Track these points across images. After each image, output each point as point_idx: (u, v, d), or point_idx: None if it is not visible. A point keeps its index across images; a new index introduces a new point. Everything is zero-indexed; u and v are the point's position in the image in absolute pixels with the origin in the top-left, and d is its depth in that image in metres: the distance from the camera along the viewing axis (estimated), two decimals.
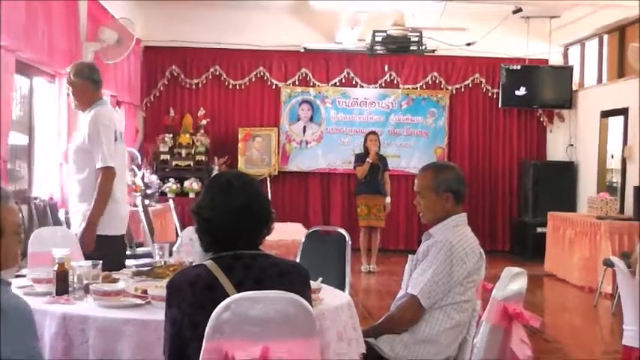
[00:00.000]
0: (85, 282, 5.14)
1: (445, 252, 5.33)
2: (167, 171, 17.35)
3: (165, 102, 18.42)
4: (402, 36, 14.63)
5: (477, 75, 18.84)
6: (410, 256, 5.66)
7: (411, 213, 17.56)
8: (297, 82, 18.70)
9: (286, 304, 3.73)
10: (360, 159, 15.70)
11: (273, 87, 18.69)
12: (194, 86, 18.52)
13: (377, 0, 13.28)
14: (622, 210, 15.29)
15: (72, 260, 5.32)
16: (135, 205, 13.15)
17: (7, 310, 3.82)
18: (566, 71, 18.39)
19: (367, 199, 15.52)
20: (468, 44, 17.69)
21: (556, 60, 18.73)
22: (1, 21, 8.87)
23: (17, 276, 4.99)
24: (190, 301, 3.85)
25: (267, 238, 4.15)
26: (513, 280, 4.78)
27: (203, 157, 17.63)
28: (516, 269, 4.84)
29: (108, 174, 7.71)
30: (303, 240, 8.01)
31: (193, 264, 4.66)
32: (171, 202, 14.52)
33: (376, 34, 15.14)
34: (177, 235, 10.38)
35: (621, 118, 16.14)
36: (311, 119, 18.75)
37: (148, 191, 14.84)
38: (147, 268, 5.92)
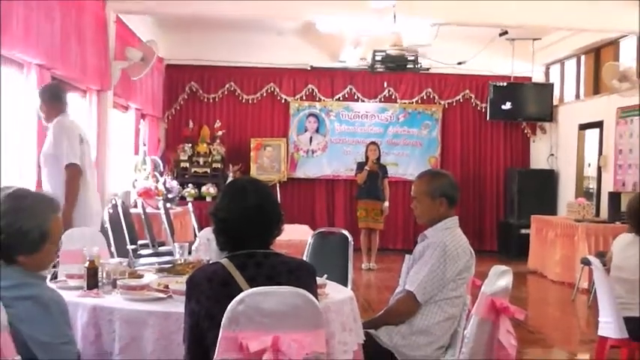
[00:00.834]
0: (113, 277, 5.15)
1: (439, 252, 5.33)
2: (186, 177, 17.35)
3: (185, 115, 18.42)
4: (399, 55, 14.64)
5: (467, 91, 18.84)
6: (407, 256, 5.66)
7: (407, 215, 17.54)
8: (304, 97, 18.70)
9: (295, 298, 3.73)
10: (360, 167, 15.71)
11: (283, 101, 18.69)
12: (211, 100, 18.51)
13: (377, 23, 13.24)
14: (598, 214, 15.30)
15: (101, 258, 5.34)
16: (157, 208, 13.18)
17: (47, 301, 3.93)
18: (547, 88, 18.40)
19: (366, 203, 15.53)
20: (459, 63, 17.70)
21: (538, 78, 18.73)
22: (34, 39, 8.91)
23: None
24: (208, 295, 3.85)
25: (277, 238, 4.15)
26: (500, 277, 4.77)
27: (219, 165, 17.65)
28: (503, 267, 4.83)
29: (73, 171, 7.85)
30: (309, 240, 8.00)
31: (210, 262, 4.65)
32: (190, 205, 14.49)
33: (376, 53, 15.15)
34: (195, 236, 10.37)
35: (597, 130, 16.20)
36: (317, 130, 18.74)
37: (169, 195, 14.83)
38: (168, 266, 5.90)
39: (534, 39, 17.54)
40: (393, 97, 18.78)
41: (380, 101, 18.80)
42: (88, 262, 4.95)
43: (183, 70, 18.32)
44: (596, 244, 13.08)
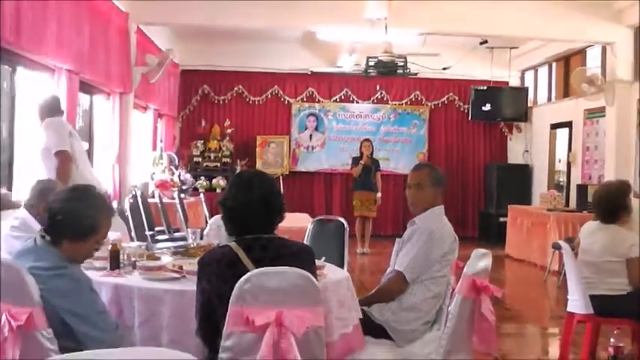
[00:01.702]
0: (133, 259, 5.16)
1: (426, 236, 5.33)
2: (199, 171, 17.34)
3: (198, 115, 18.41)
4: (390, 61, 14.58)
5: (451, 94, 18.83)
6: (397, 240, 5.65)
7: (398, 205, 17.58)
8: (305, 99, 18.69)
9: (296, 278, 3.75)
10: (356, 161, 15.69)
11: (286, 103, 18.68)
12: (221, 102, 18.50)
13: (370, 33, 13.23)
14: (567, 204, 15.32)
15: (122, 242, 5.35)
16: (172, 198, 13.19)
17: (77, 278, 4.00)
18: (522, 91, 18.37)
19: (361, 194, 15.55)
20: (444, 69, 17.68)
21: (514, 82, 18.72)
22: (65, 47, 8.91)
23: None
24: (217, 274, 3.87)
25: (280, 224, 4.15)
26: (481, 259, 4.76)
27: (228, 160, 17.65)
28: (483, 250, 4.83)
29: (62, 156, 7.86)
30: (309, 227, 8.00)
31: (220, 245, 4.65)
32: (202, 195, 14.46)
33: (369, 59, 15.09)
34: (206, 223, 10.34)
35: (567, 129, 16.22)
36: (316, 129, 18.72)
37: (183, 187, 14.82)
38: (182, 249, 5.90)
39: (511, 47, 17.58)
40: (385, 98, 18.79)
41: (373, 102, 18.79)
42: (110, 246, 4.96)
43: (196, 74, 18.30)
44: (565, 230, 13.07)
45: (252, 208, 4.00)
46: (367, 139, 16.01)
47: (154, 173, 14.48)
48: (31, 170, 8.46)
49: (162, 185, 14.03)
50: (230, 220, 4.09)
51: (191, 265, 4.77)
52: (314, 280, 3.82)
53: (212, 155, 17.70)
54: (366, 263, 14.42)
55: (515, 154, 18.88)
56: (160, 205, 12.24)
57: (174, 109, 17.51)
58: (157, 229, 11.53)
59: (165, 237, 11.11)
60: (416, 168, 5.83)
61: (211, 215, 10.50)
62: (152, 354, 2.55)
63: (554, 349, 8.27)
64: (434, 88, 18.85)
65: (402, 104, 18.82)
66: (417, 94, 18.76)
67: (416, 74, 17.31)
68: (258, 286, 3.67)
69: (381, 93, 18.74)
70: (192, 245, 5.99)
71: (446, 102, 18.91)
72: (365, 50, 15.65)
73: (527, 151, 18.45)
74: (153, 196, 13.36)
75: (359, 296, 5.14)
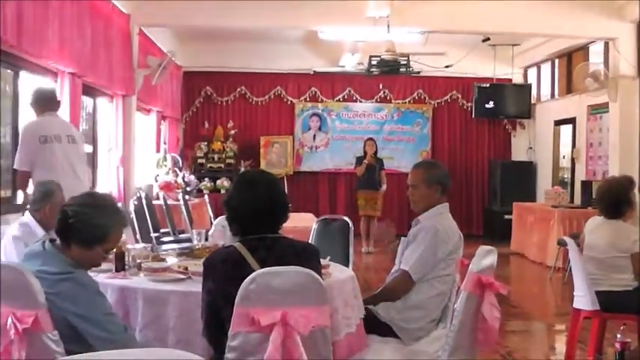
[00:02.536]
0: (138, 261, 5.17)
1: (431, 235, 5.32)
2: (203, 172, 17.37)
3: (201, 116, 18.45)
4: (393, 60, 14.59)
5: (454, 92, 18.85)
6: (402, 239, 5.65)
7: (402, 204, 17.54)
8: (308, 99, 18.71)
9: (301, 277, 3.75)
10: (359, 161, 15.73)
11: (289, 103, 18.70)
12: (224, 103, 18.54)
13: (373, 32, 13.24)
14: (572, 200, 15.31)
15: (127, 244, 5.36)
16: (177, 200, 13.21)
17: (84, 282, 3.99)
18: (525, 88, 18.39)
19: (365, 193, 15.57)
20: (447, 67, 17.66)
21: (517, 79, 18.72)
22: (67, 50, 8.92)
23: None
24: (222, 275, 3.87)
25: (284, 224, 4.14)
26: (486, 256, 4.75)
27: (232, 161, 17.67)
28: (488, 247, 4.82)
29: (19, 175, 7.76)
30: (314, 226, 8.01)
31: (225, 246, 4.65)
32: (206, 197, 14.50)
33: (372, 58, 15.11)
34: (211, 224, 10.35)
35: (570, 126, 16.22)
36: (319, 128, 18.74)
37: (188, 188, 14.87)
38: (187, 250, 5.90)
39: (514, 45, 17.59)
40: (388, 97, 18.81)
41: (376, 101, 18.82)
42: (115, 248, 4.96)
43: (199, 76, 18.34)
44: (570, 227, 13.06)
45: (256, 207, 4.00)
46: (371, 139, 16.04)
47: (158, 175, 14.49)
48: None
49: (167, 187, 14.04)
50: (234, 220, 4.09)
51: (196, 266, 4.77)
52: (319, 278, 3.82)
53: (216, 156, 17.72)
54: (370, 262, 14.41)
55: (519, 151, 18.88)
56: (164, 206, 12.27)
57: (178, 111, 17.53)
58: (161, 230, 11.56)
59: (171, 238, 11.13)
60: (413, 168, 5.82)
61: (216, 216, 10.50)
62: (160, 354, 2.55)
63: (561, 346, 8.26)
64: (437, 86, 18.86)
65: (405, 103, 18.84)
66: (420, 92, 18.78)
67: (419, 72, 17.31)
68: (264, 286, 3.66)
69: (384, 92, 18.76)
70: (197, 246, 5.99)
71: (449, 100, 18.93)
72: (367, 49, 15.68)
73: (531, 147, 18.46)
74: (157, 198, 13.38)
75: (364, 295, 5.15)
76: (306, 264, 3.85)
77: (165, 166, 14.80)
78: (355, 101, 18.80)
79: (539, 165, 18.05)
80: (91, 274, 4.20)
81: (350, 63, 17.76)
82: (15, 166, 7.70)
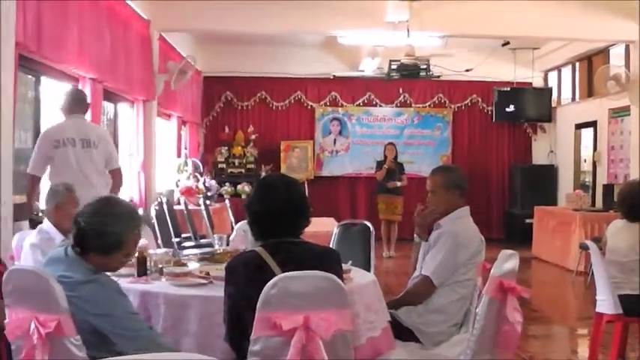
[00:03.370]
0: (160, 266, 5.17)
1: (452, 240, 5.33)
2: (223, 177, 17.36)
3: (222, 121, 18.46)
4: (413, 64, 14.56)
5: (474, 96, 18.83)
6: (423, 243, 5.66)
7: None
8: (328, 103, 18.72)
9: (322, 281, 3.74)
10: (380, 165, 15.75)
11: (309, 107, 18.72)
12: (244, 108, 18.57)
13: (392, 36, 13.24)
14: (593, 204, 15.26)
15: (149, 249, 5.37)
16: (198, 205, 13.23)
17: (106, 283, 4.00)
18: (546, 92, 18.35)
19: (385, 198, 15.59)
20: (467, 71, 17.64)
21: (538, 83, 18.68)
22: (88, 56, 8.96)
23: None
24: (244, 279, 3.87)
25: (305, 229, 4.14)
26: (507, 260, 4.74)
27: (252, 165, 17.68)
28: (510, 251, 4.80)
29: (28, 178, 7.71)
30: (335, 230, 8.01)
31: (246, 250, 4.65)
32: (227, 202, 14.52)
33: (392, 62, 15.09)
34: (232, 229, 10.37)
35: (591, 129, 16.19)
36: (340, 133, 18.76)
37: (209, 193, 14.87)
38: (209, 255, 5.91)
39: (534, 48, 17.58)
40: (408, 102, 18.81)
41: (396, 106, 18.82)
42: (137, 253, 4.97)
43: (218, 81, 18.38)
44: (592, 230, 13.01)
45: (277, 211, 4.00)
46: (391, 143, 16.03)
47: (179, 180, 14.53)
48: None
49: (188, 192, 14.07)
50: (255, 224, 4.09)
51: (218, 270, 4.78)
52: (340, 282, 3.80)
53: (236, 161, 17.74)
54: (391, 267, 14.39)
55: (539, 155, 18.84)
56: (185, 211, 12.29)
57: (198, 116, 17.58)
58: (183, 235, 11.59)
59: (192, 243, 11.15)
60: (430, 174, 5.82)
61: (237, 221, 10.53)
62: (182, 358, 2.55)
63: (583, 350, 8.23)
64: (457, 90, 18.83)
65: (425, 107, 18.83)
66: (440, 96, 18.77)
67: (439, 77, 17.28)
68: (285, 291, 3.66)
69: (404, 96, 18.76)
70: (218, 251, 6.00)
71: (469, 104, 18.90)
72: (387, 53, 15.66)
73: (552, 151, 18.42)
74: (178, 203, 13.42)
75: (386, 299, 5.14)
76: (327, 268, 3.84)
77: (186, 171, 14.83)
78: (375, 106, 18.80)
79: (561, 168, 18.00)
80: (114, 278, 4.20)
81: (370, 67, 17.74)
82: (27, 170, 7.70)
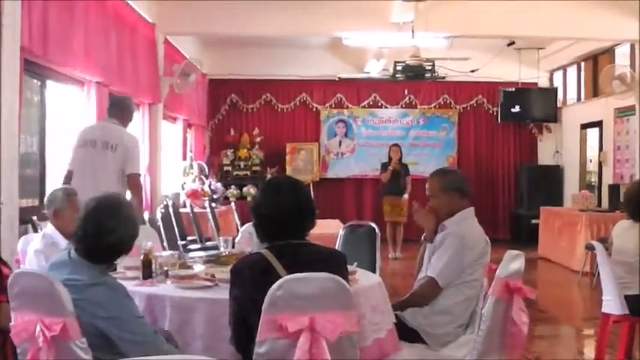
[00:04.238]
0: (165, 268, 5.18)
1: (457, 241, 5.33)
2: (229, 179, 17.36)
3: (227, 123, 18.49)
4: (418, 65, 14.54)
5: (479, 96, 18.81)
6: (428, 245, 5.67)
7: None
8: (333, 105, 18.73)
9: (328, 283, 3.74)
10: (385, 167, 15.76)
11: (314, 109, 18.73)
12: (250, 110, 18.58)
13: (397, 38, 13.25)
14: (599, 204, 15.21)
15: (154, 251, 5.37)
16: (204, 208, 13.26)
17: (114, 286, 3.99)
18: (551, 92, 18.35)
19: (391, 199, 15.58)
20: (472, 71, 17.66)
21: (543, 83, 18.68)
22: (93, 59, 8.97)
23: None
24: (250, 281, 3.87)
25: (311, 231, 4.14)
26: (513, 261, 4.74)
27: (258, 168, 17.70)
28: (516, 252, 4.80)
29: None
30: (341, 232, 8.01)
31: (252, 252, 4.65)
32: (232, 204, 14.50)
33: (397, 64, 15.07)
34: (238, 231, 10.36)
35: (597, 129, 16.18)
36: (345, 135, 18.76)
37: (214, 196, 14.88)
38: (214, 257, 5.91)
39: (539, 48, 17.60)
40: (413, 103, 18.80)
41: (401, 107, 18.81)
42: (143, 255, 4.98)
43: (224, 83, 18.40)
44: (598, 231, 12.98)
45: (283, 213, 4.00)
46: (396, 144, 16.03)
47: (184, 183, 14.55)
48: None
49: (193, 195, 14.09)
50: (261, 226, 4.09)
51: (223, 273, 4.78)
52: (346, 284, 3.80)
53: (242, 164, 17.75)
54: (397, 268, 14.38)
55: (545, 155, 18.82)
56: (191, 214, 12.31)
57: (204, 119, 17.59)
58: (188, 238, 11.61)
59: (197, 246, 11.17)
60: (428, 178, 5.83)
61: (242, 223, 10.53)
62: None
63: (590, 351, 8.23)
64: (462, 91, 18.82)
65: (431, 108, 18.84)
66: (445, 97, 18.76)
67: (444, 77, 17.27)
68: (291, 293, 3.66)
69: (410, 97, 18.75)
70: (224, 253, 6.00)
71: (475, 104, 18.89)
72: (392, 55, 15.65)
73: (557, 151, 18.41)
74: (184, 206, 13.43)
75: (391, 301, 5.14)
76: (332, 270, 3.84)
77: (192, 173, 14.85)
78: (381, 107, 18.80)
79: (566, 169, 17.99)
80: (119, 281, 4.21)
81: (375, 69, 17.76)
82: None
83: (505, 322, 4.69)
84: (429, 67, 14.76)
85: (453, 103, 18.84)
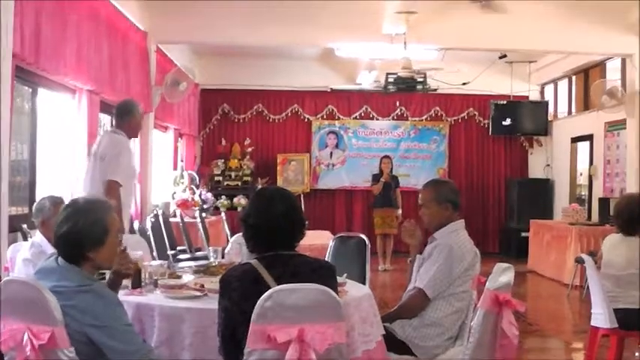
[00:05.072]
0: (155, 278, 5.17)
1: (446, 253, 5.34)
2: (220, 189, 17.32)
3: (218, 133, 18.46)
4: (409, 77, 14.55)
5: (471, 109, 18.82)
6: (417, 256, 5.67)
7: (418, 221, 17.47)
8: (324, 116, 18.71)
9: (317, 294, 3.74)
10: (375, 178, 15.78)
11: (306, 120, 18.71)
12: (241, 120, 18.56)
13: (389, 49, 13.26)
14: (589, 217, 15.24)
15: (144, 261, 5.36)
16: (194, 217, 13.24)
17: (104, 293, 3.97)
18: (542, 105, 18.37)
19: (381, 211, 15.58)
20: (463, 84, 17.68)
21: (534, 96, 18.70)
22: (85, 67, 8.96)
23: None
24: (239, 292, 3.86)
25: (301, 242, 4.14)
26: (503, 274, 4.75)
27: (249, 178, 17.63)
28: (505, 265, 4.81)
29: None
30: (331, 244, 8.01)
31: (241, 263, 4.64)
32: (223, 214, 14.52)
33: (389, 76, 15.09)
34: (228, 241, 10.36)
35: (587, 143, 16.19)
36: (336, 146, 18.74)
37: (205, 206, 14.86)
38: (204, 267, 5.90)
39: (530, 61, 17.66)
40: (405, 115, 18.80)
41: (393, 119, 18.81)
42: (132, 265, 4.96)
43: (216, 93, 18.38)
44: (588, 244, 13.04)
45: (273, 224, 4.00)
46: (387, 156, 16.05)
47: (175, 193, 14.52)
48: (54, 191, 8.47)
49: (184, 204, 14.07)
50: (251, 236, 4.09)
51: (213, 283, 4.77)
52: (335, 295, 3.80)
53: (233, 174, 17.71)
54: (387, 280, 14.40)
55: (536, 169, 18.84)
56: (181, 224, 12.30)
57: (195, 129, 17.55)
58: (178, 248, 11.59)
59: (187, 256, 11.16)
60: (422, 187, 5.84)
61: (232, 234, 10.52)
62: None
63: None
64: (453, 104, 18.83)
65: (422, 120, 18.82)
66: (436, 109, 18.76)
67: (435, 90, 17.28)
68: (280, 303, 3.66)
69: (401, 109, 18.75)
70: (213, 263, 5.99)
71: (466, 117, 18.89)
72: (384, 67, 15.68)
73: (548, 165, 18.43)
74: (174, 216, 13.43)
75: (380, 313, 5.13)
76: (322, 281, 3.84)
77: (182, 183, 14.83)
78: (372, 119, 18.78)
79: (557, 182, 18.02)
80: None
81: (367, 80, 17.78)
82: None
83: (494, 334, 4.69)
84: (421, 80, 14.78)
85: (444, 115, 18.84)
